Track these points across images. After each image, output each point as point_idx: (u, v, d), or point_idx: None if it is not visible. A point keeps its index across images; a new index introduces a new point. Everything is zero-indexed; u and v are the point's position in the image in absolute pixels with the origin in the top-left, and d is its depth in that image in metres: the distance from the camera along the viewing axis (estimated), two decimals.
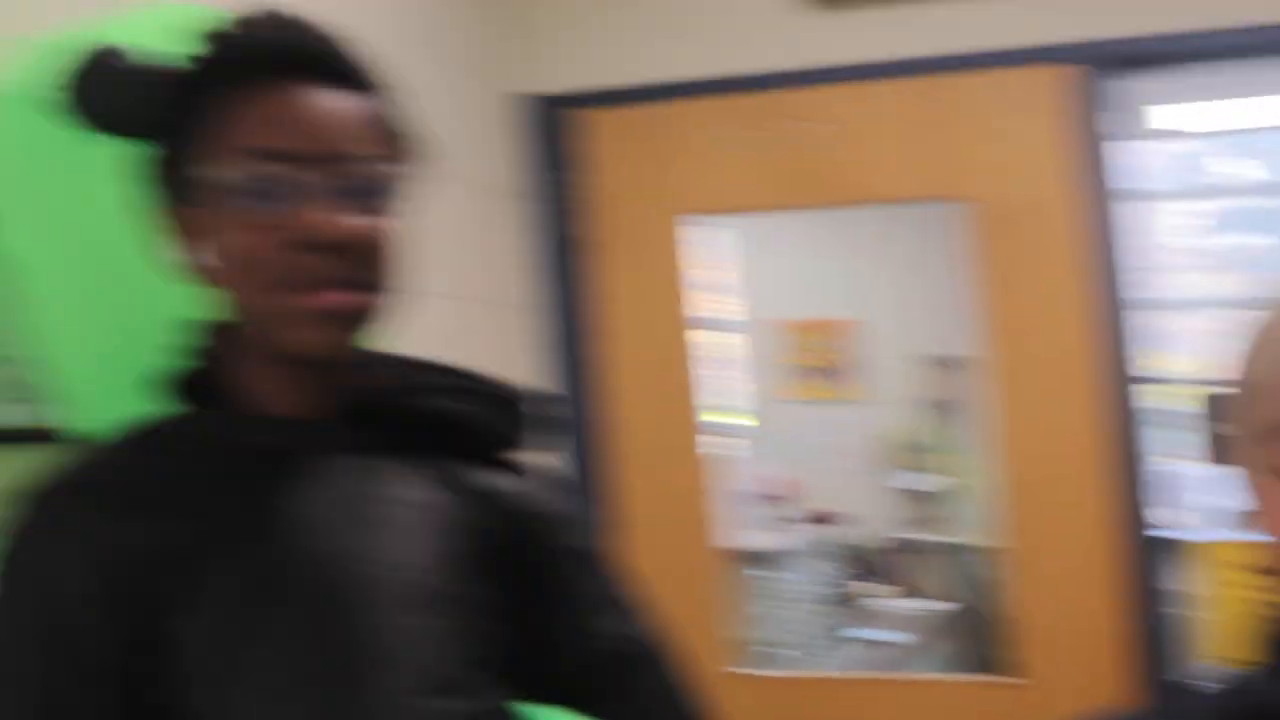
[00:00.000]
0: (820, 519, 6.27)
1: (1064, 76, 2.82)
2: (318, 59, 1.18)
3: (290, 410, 1.20)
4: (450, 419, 1.26)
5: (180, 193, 1.19)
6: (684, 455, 3.08)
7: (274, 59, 1.17)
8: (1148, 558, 2.82)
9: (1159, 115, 5.95)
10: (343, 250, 1.15)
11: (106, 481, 1.16)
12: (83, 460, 1.20)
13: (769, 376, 6.73)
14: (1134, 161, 2.89)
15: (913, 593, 6.59)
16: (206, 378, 1.24)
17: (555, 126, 3.11)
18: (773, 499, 5.38)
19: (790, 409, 6.90)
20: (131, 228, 1.53)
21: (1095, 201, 2.82)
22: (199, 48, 1.20)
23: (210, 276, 1.19)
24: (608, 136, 3.09)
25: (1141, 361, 2.84)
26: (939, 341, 7.01)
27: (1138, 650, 2.81)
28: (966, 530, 6.75)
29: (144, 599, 1.10)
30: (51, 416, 1.64)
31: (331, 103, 1.17)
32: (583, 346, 3.11)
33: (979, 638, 6.44)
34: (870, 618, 6.01)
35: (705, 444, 3.09)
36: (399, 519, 1.19)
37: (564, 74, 3.12)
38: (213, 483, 1.16)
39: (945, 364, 6.83)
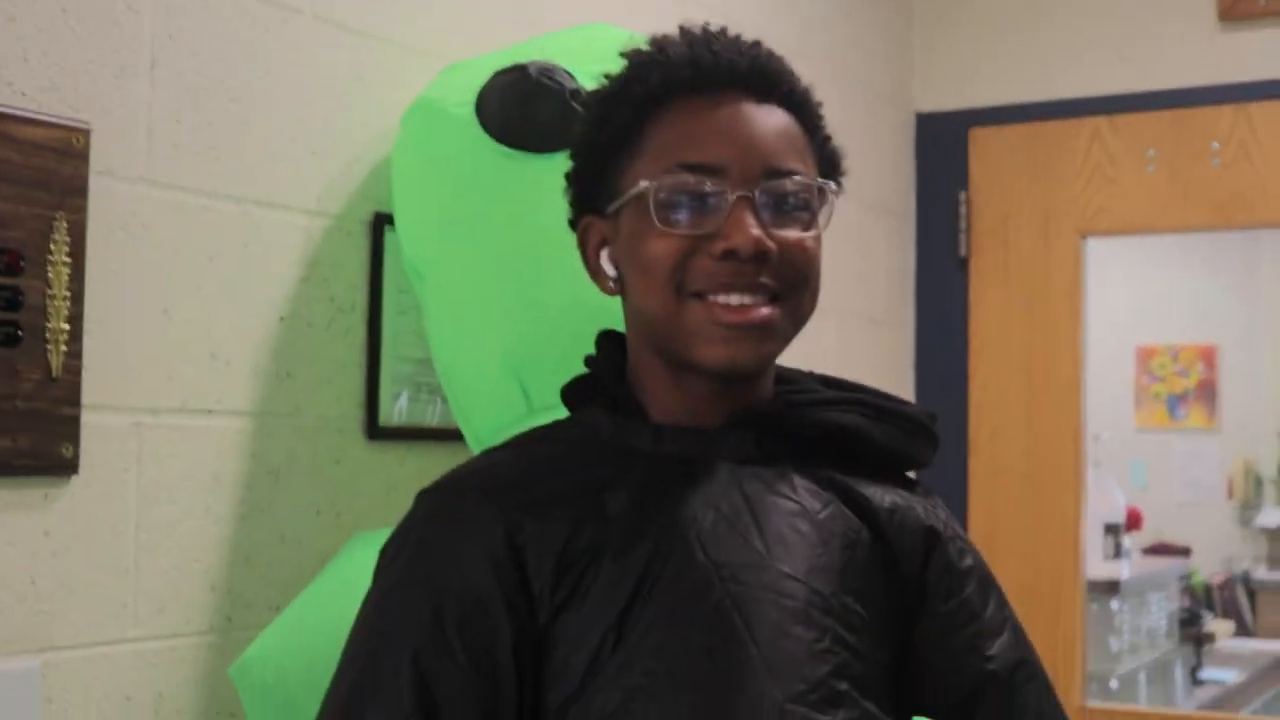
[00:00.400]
0: (1163, 550, 6.03)
1: None
2: (746, 75, 1.18)
3: (689, 417, 1.20)
4: (849, 433, 1.24)
5: (605, 205, 1.20)
6: (1055, 479, 2.99)
7: (701, 75, 1.17)
8: None
9: None
10: (763, 261, 1.14)
11: (508, 481, 1.18)
12: (486, 461, 1.23)
13: (1120, 400, 6.51)
14: None
15: (1253, 631, 6.29)
16: (608, 384, 1.25)
17: (947, 143, 3.05)
18: (1116, 528, 5.18)
19: (1137, 436, 6.66)
20: (538, 242, 1.57)
21: None
22: (623, 67, 1.21)
23: (625, 287, 1.21)
24: (1000, 153, 3.02)
25: None
26: None
27: None
28: None
29: (533, 597, 1.12)
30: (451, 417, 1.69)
31: (765, 119, 1.18)
32: (958, 365, 3.04)
33: None
34: (1209, 655, 5.75)
35: (1077, 470, 2.99)
36: (790, 529, 1.17)
37: (958, 91, 3.06)
38: (608, 487, 1.16)
39: None
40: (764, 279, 1.14)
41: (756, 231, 1.13)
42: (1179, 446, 6.75)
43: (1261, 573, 6.50)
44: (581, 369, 1.34)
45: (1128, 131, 2.91)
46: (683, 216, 1.14)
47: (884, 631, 1.19)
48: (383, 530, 1.57)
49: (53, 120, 1.38)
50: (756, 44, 1.21)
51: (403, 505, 1.74)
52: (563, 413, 1.36)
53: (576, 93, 1.59)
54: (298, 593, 1.59)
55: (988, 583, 1.28)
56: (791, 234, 1.16)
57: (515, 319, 1.58)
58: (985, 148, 3.05)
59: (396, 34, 1.78)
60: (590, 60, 1.66)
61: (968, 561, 1.28)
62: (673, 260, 1.14)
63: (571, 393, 1.30)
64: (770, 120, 1.17)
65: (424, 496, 1.21)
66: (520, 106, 1.59)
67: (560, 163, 1.58)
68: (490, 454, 1.25)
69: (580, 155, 1.23)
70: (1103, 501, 4.91)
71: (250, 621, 1.59)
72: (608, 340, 1.31)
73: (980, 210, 3.03)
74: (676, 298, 1.15)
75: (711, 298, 1.14)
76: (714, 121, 1.15)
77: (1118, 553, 5.02)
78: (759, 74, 1.18)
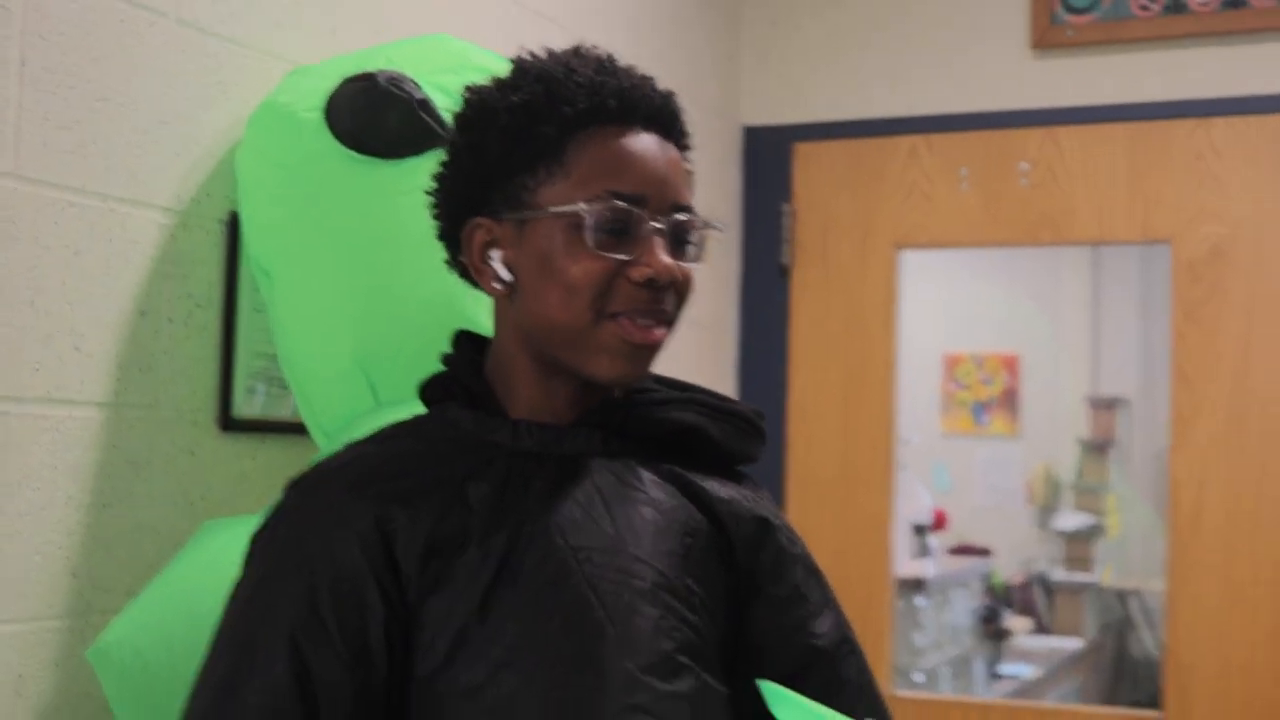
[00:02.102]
0: (965, 551, 6.28)
1: None
2: (659, 113, 1.28)
3: (546, 415, 1.30)
4: (689, 431, 1.34)
5: (504, 211, 1.28)
6: (868, 481, 3.13)
7: (625, 108, 1.26)
8: None
9: None
10: (665, 291, 1.25)
11: (374, 472, 1.26)
12: (352, 454, 1.30)
13: (927, 406, 6.75)
14: None
15: (1049, 628, 6.58)
16: (467, 381, 1.34)
17: (772, 156, 3.18)
18: (922, 528, 5.40)
19: (943, 440, 6.91)
20: (386, 243, 1.64)
21: None
22: (536, 85, 1.28)
23: (518, 291, 1.29)
24: (823, 168, 3.16)
25: None
26: (1101, 381, 6.98)
27: None
28: (1111, 570, 6.72)
29: (400, 581, 1.20)
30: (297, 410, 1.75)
31: (669, 154, 1.28)
32: (777, 370, 3.17)
33: (1109, 674, 6.41)
34: (1008, 650, 6.01)
35: (888, 473, 3.14)
36: (638, 518, 1.27)
37: (784, 107, 3.19)
38: (470, 478, 1.25)
39: (1106, 404, 6.80)
40: (665, 305, 1.25)
41: (669, 261, 1.23)
42: (982, 452, 7.03)
43: (1059, 573, 6.80)
44: (427, 365, 1.41)
45: (943, 150, 3.08)
46: (610, 242, 1.22)
47: (720, 611, 1.30)
48: (234, 518, 1.64)
49: None
50: (652, 80, 1.30)
51: (255, 495, 1.80)
52: (407, 408, 1.44)
53: (424, 102, 1.67)
54: (152, 579, 1.63)
55: (813, 568, 1.39)
56: (686, 265, 1.26)
57: (363, 317, 1.65)
58: (808, 162, 3.18)
59: (251, 38, 1.82)
60: (434, 70, 1.74)
61: (796, 549, 1.39)
62: (600, 281, 1.22)
63: (428, 389, 1.38)
64: (673, 156, 1.28)
65: (293, 488, 1.27)
66: (370, 114, 1.66)
67: (408, 168, 1.66)
68: (354, 447, 1.32)
69: (474, 160, 1.28)
70: (910, 503, 5.11)
71: (109, 606, 1.63)
72: (464, 339, 1.38)
73: (802, 222, 3.17)
74: (593, 316, 1.23)
75: (625, 319, 1.23)
76: (636, 154, 1.25)
77: (924, 552, 5.23)
78: (669, 114, 1.29)
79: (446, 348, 1.41)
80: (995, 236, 3.08)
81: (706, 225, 1.29)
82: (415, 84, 1.67)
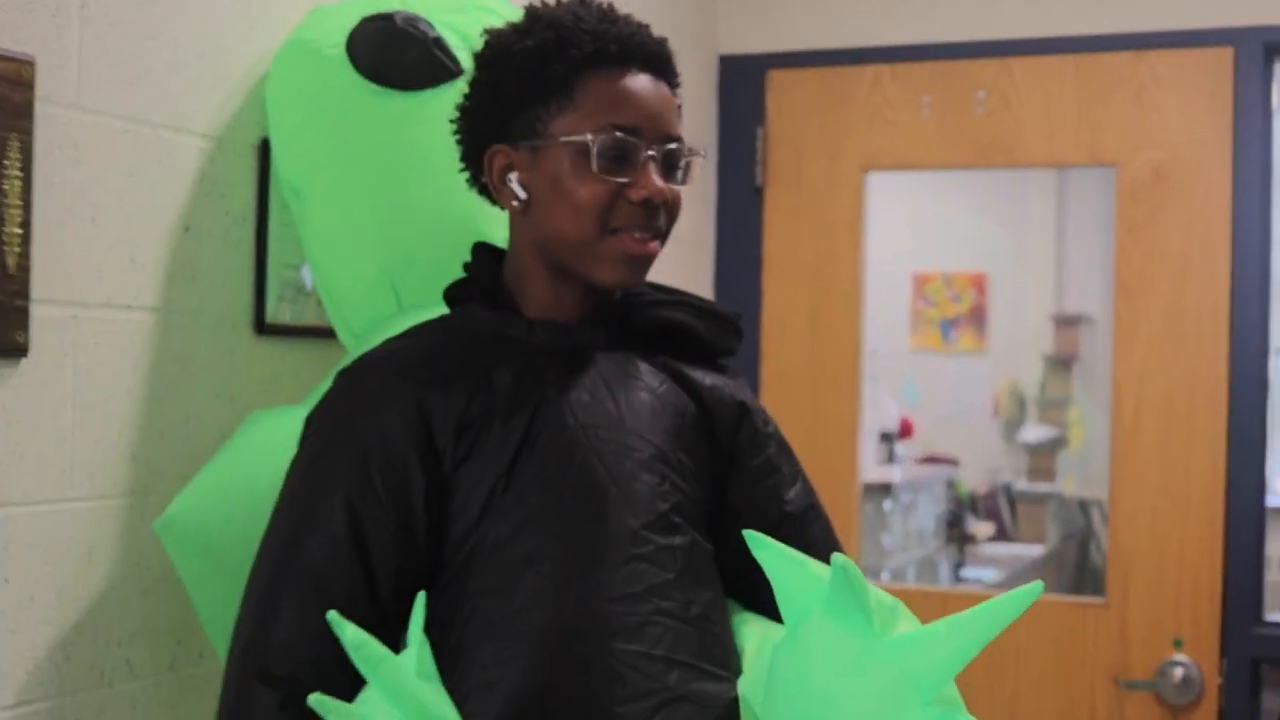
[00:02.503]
0: (933, 461, 6.56)
1: (1227, 57, 3.05)
2: (653, 56, 1.50)
3: (555, 314, 1.53)
4: (678, 327, 1.58)
5: (519, 139, 1.50)
6: (836, 389, 3.36)
7: (625, 52, 1.48)
8: (1256, 521, 3.06)
9: None
10: (658, 210, 1.47)
11: (413, 361, 1.49)
12: (392, 346, 1.53)
13: (897, 323, 6.99)
14: None
15: (1013, 536, 6.87)
16: (487, 286, 1.56)
17: (747, 84, 3.39)
18: (889, 436, 5.66)
19: (912, 356, 7.16)
20: (406, 165, 1.85)
21: (1250, 174, 3.04)
22: (548, 29, 1.50)
23: (532, 208, 1.51)
24: (794, 94, 3.37)
25: None
26: (1065, 299, 7.23)
27: (1223, 598, 3.04)
28: (1071, 480, 7.00)
29: (437, 452, 1.44)
30: (325, 315, 1.98)
31: (661, 92, 1.51)
32: (752, 283, 3.40)
33: (1071, 580, 6.70)
34: (972, 555, 6.30)
35: (855, 381, 3.38)
36: (637, 400, 1.51)
37: (757, 37, 3.40)
38: (495, 366, 1.48)
39: (1069, 321, 7.05)
40: (659, 221, 1.47)
41: (662, 184, 1.45)
42: (950, 367, 7.28)
43: (1022, 484, 7.09)
44: (445, 273, 1.65)
45: (905, 79, 3.29)
46: (613, 167, 1.44)
47: (705, 480, 1.54)
48: (274, 409, 1.86)
49: (5, 54, 1.62)
50: (648, 27, 1.51)
51: (285, 391, 2.03)
52: (428, 310, 1.67)
53: (437, 40, 1.88)
54: (200, 464, 1.86)
55: (784, 445, 1.64)
56: (675, 187, 1.48)
57: (387, 231, 1.87)
58: (781, 89, 3.39)
59: None
60: (444, 10, 1.94)
61: (769, 429, 1.63)
62: (604, 201, 1.45)
63: (452, 292, 1.61)
64: (664, 94, 1.50)
65: (344, 375, 1.50)
66: (388, 50, 1.87)
67: (423, 98, 1.87)
68: (392, 341, 1.55)
69: (493, 95, 1.50)
70: (878, 412, 5.37)
71: (162, 488, 1.85)
72: (482, 250, 1.61)
73: (775, 145, 3.38)
74: (598, 231, 1.45)
75: (625, 234, 1.45)
76: (634, 92, 1.47)
77: (891, 458, 5.50)
78: (662, 57, 1.51)
79: (462, 258, 1.64)
80: (954, 160, 3.31)
81: (693, 153, 1.51)
82: (429, 23, 1.88)
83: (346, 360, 1.71)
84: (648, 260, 1.50)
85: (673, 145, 1.50)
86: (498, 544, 1.41)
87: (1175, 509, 3.09)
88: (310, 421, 1.49)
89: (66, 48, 1.71)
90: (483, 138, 1.53)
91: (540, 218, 1.49)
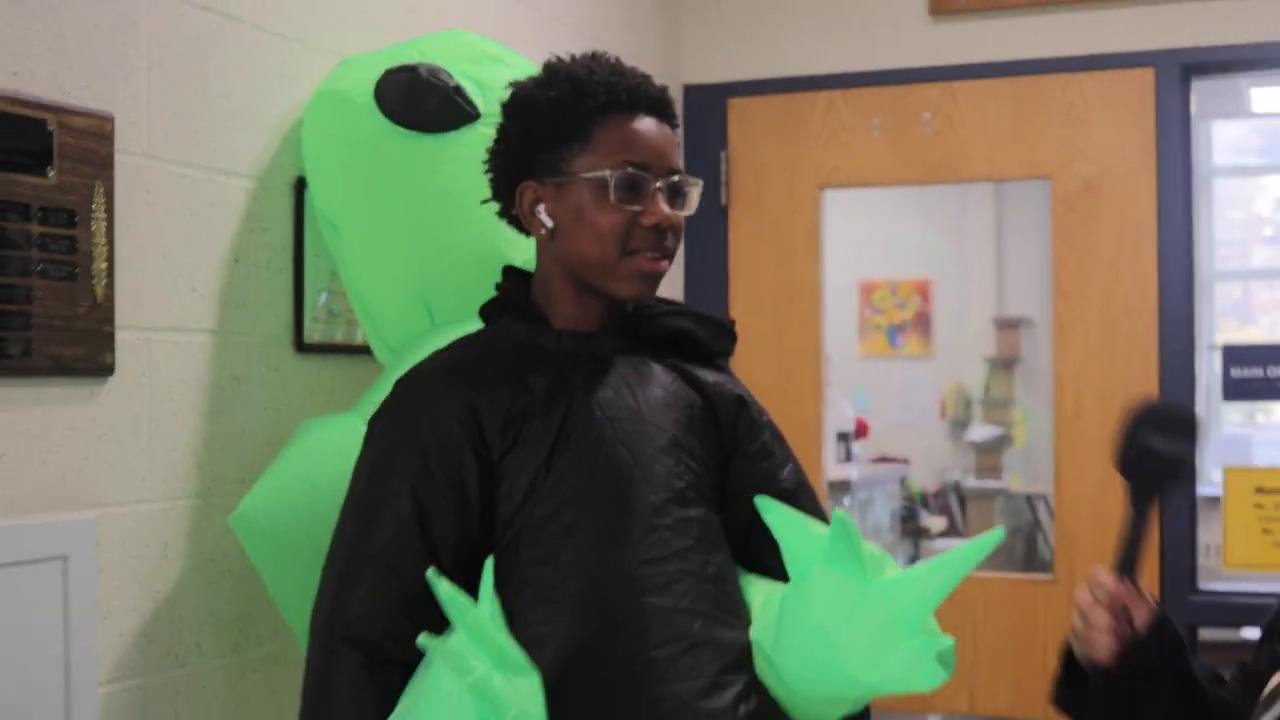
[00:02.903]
0: (885, 460, 6.85)
1: (1149, 78, 3.34)
2: (658, 103, 1.76)
3: (580, 325, 1.78)
4: (683, 334, 1.84)
5: (545, 176, 1.75)
6: (800, 393, 3.63)
7: (635, 100, 1.74)
8: (1189, 505, 3.35)
9: (1258, 98, 6.43)
10: (666, 233, 1.73)
11: (460, 365, 1.74)
12: (441, 356, 1.78)
13: (845, 331, 7.28)
14: (1233, 141, 3.36)
15: (963, 531, 7.17)
16: (519, 302, 1.81)
17: (710, 110, 3.66)
18: (846, 436, 5.94)
19: (861, 363, 7.46)
20: (434, 199, 2.10)
21: (1172, 183, 3.34)
22: (566, 82, 1.75)
23: (558, 235, 1.76)
24: (754, 119, 3.64)
25: (1220, 330, 3.34)
26: (1005, 303, 7.55)
27: (1161, 572, 3.32)
28: (1017, 476, 7.31)
29: (488, 440, 1.68)
30: (361, 334, 2.23)
31: (665, 132, 1.76)
32: (719, 296, 3.66)
33: (1017, 567, 7.00)
34: (925, 549, 6.58)
35: (818, 386, 3.64)
36: (653, 396, 1.77)
37: (719, 67, 3.67)
38: (531, 371, 1.73)
39: (1010, 324, 7.37)
40: (667, 243, 1.73)
41: (669, 211, 1.71)
42: (898, 371, 7.59)
43: (970, 481, 7.39)
44: (471, 293, 1.90)
45: (857, 103, 3.57)
46: (628, 198, 1.70)
47: (713, 464, 1.79)
48: (323, 417, 2.10)
49: (92, 112, 1.86)
50: (650, 78, 1.77)
51: (322, 402, 2.27)
52: (458, 326, 1.92)
53: (458, 88, 2.13)
54: (253, 468, 2.10)
55: (776, 433, 1.90)
56: (680, 213, 1.74)
57: (419, 257, 2.11)
58: (742, 115, 3.66)
59: (306, 35, 2.26)
60: (460, 61, 2.20)
61: (763, 419, 1.89)
62: (621, 228, 1.70)
63: (487, 309, 1.86)
64: (668, 133, 1.76)
65: (402, 383, 1.75)
66: (414, 98, 2.12)
67: (446, 140, 2.12)
68: (441, 353, 1.79)
69: (521, 140, 1.75)
70: (835, 414, 5.64)
71: (223, 490, 2.09)
72: (511, 272, 1.86)
73: (737, 167, 3.65)
74: (618, 253, 1.71)
75: (640, 255, 1.71)
76: (643, 133, 1.72)
77: (848, 457, 5.77)
78: (664, 102, 1.76)
79: (486, 280, 1.89)
80: (903, 176, 3.59)
81: (693, 183, 1.77)
82: (448, 73, 2.13)
83: (393, 371, 1.96)
84: (659, 276, 1.76)
85: (676, 177, 1.76)
86: (542, 522, 1.66)
87: (1115, 494, 3.30)
88: (374, 424, 1.73)
89: (138, 105, 1.95)
90: (513, 176, 1.77)
91: (566, 243, 1.74)
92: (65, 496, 1.84)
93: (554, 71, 1.78)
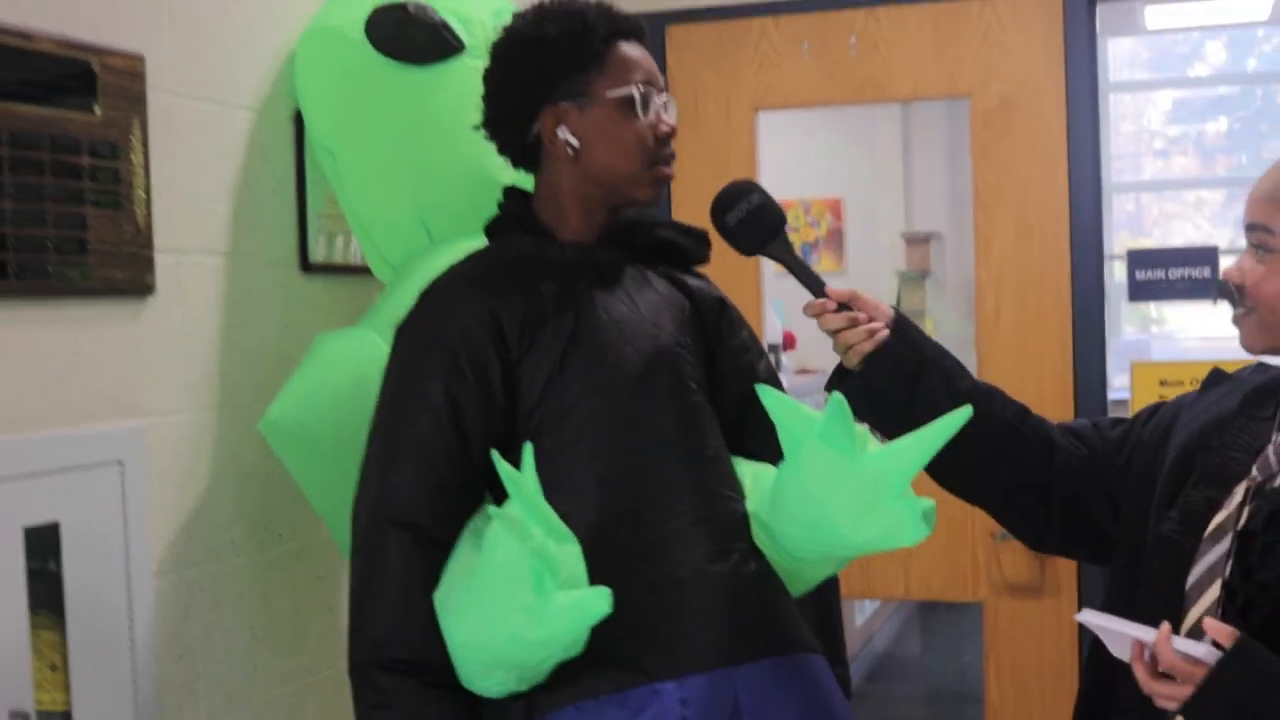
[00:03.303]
0: (807, 371, 7.12)
1: (1054, 2, 3.60)
2: (642, 29, 1.98)
3: (584, 237, 2.00)
4: (671, 244, 2.06)
5: (566, 100, 1.95)
6: (740, 306, 3.84)
7: (630, 28, 1.95)
8: (1100, 405, 3.64)
9: (1151, 16, 6.73)
10: (669, 142, 1.95)
11: (479, 276, 1.95)
12: (459, 269, 1.98)
13: None
14: (1125, 56, 3.63)
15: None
16: (524, 219, 2.02)
17: (650, 38, 3.84)
18: (775, 347, 6.19)
19: (777, 280, 7.71)
20: (426, 124, 2.29)
21: (1080, 99, 3.60)
22: (570, 16, 1.95)
23: (572, 147, 1.95)
24: (691, 47, 3.84)
25: (1116, 241, 3.62)
26: (914, 219, 7.83)
27: None
28: None
29: (508, 341, 1.89)
30: (356, 255, 2.43)
31: (649, 55, 1.97)
32: (664, 215, 3.87)
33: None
34: None
35: (758, 300, 3.88)
36: (649, 299, 1.99)
37: None
38: (541, 280, 1.94)
39: (920, 239, 7.66)
40: (670, 151, 1.95)
41: (670, 120, 1.92)
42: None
43: None
44: (465, 211, 2.11)
45: (787, 28, 3.78)
46: (646, 112, 1.92)
47: (702, 356, 2.02)
48: (335, 331, 2.29)
49: (127, 52, 2.03)
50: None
51: (324, 316, 2.47)
52: (455, 241, 2.12)
53: (444, 24, 2.32)
54: (267, 379, 2.30)
55: (751, 331, 2.13)
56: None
57: (415, 180, 2.31)
58: (680, 41, 3.86)
59: None
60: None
61: (739, 317, 2.12)
62: (648, 138, 1.91)
63: (493, 226, 2.06)
64: (650, 57, 1.96)
65: (427, 293, 1.94)
66: (403, 33, 2.30)
67: (434, 71, 2.31)
68: (459, 266, 1.99)
69: (534, 68, 1.94)
70: (767, 327, 5.87)
71: (242, 400, 2.29)
72: (513, 192, 2.06)
73: (677, 92, 3.85)
74: (647, 162, 1.93)
75: (659, 164, 1.93)
76: (641, 57, 1.95)
77: (779, 367, 6.04)
78: (644, 31, 1.99)
79: (477, 198, 2.10)
80: (832, 97, 3.81)
81: (672, 100, 1.98)
82: (434, 9, 2.32)
83: (397, 286, 2.17)
84: (667, 180, 1.98)
85: (667, 95, 1.97)
86: (560, 414, 1.88)
87: (1032, 392, 3.64)
88: (403, 329, 1.93)
89: (161, 44, 2.12)
90: (529, 102, 1.96)
91: (592, 159, 1.94)
92: (116, 407, 2.03)
93: (551, 9, 1.98)
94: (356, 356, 2.11)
